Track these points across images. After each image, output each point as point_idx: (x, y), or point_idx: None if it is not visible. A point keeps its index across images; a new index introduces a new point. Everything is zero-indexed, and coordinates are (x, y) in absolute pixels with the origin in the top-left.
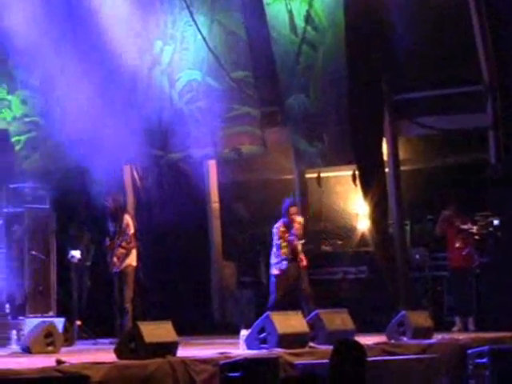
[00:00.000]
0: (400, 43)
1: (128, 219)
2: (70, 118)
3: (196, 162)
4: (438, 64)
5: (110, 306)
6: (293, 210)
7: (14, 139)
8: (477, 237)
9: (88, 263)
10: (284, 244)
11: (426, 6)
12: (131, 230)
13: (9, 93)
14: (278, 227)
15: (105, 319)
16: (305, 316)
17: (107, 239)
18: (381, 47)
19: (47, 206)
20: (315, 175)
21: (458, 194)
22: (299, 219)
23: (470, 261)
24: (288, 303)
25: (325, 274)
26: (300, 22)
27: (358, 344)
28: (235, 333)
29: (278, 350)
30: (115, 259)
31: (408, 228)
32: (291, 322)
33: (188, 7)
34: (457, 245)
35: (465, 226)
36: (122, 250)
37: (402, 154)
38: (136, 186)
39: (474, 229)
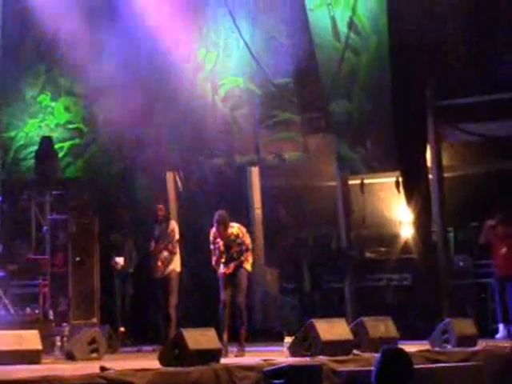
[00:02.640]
0: (445, 48)
1: (174, 225)
2: (114, 125)
3: (239, 168)
4: (482, 69)
5: (154, 313)
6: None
7: (57, 146)
8: None
9: (131, 270)
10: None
11: (472, 12)
12: (176, 236)
13: (52, 99)
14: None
15: (148, 326)
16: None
17: (152, 243)
18: (425, 53)
19: (90, 213)
20: (358, 182)
21: (502, 202)
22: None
23: None
24: None
25: (368, 280)
26: (343, 28)
27: (404, 352)
28: (278, 340)
29: (322, 358)
30: (159, 263)
31: (452, 235)
32: (335, 329)
33: (231, 14)
34: (501, 252)
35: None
36: (166, 255)
37: (445, 160)
38: (179, 192)
39: None
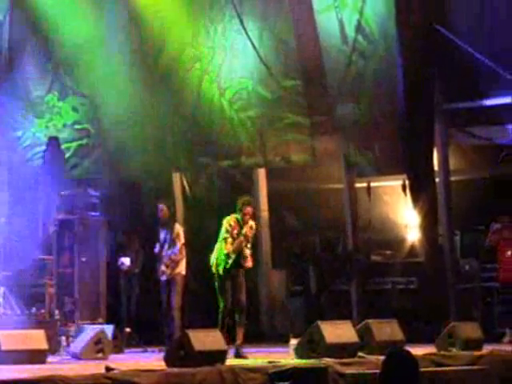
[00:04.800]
0: (455, 51)
1: (179, 229)
2: (120, 125)
3: (246, 170)
4: (489, 74)
5: (159, 314)
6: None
7: (64, 146)
8: None
9: (137, 270)
10: (230, 240)
11: (481, 18)
12: (181, 241)
13: (59, 99)
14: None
15: (154, 327)
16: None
17: (157, 246)
18: (435, 57)
19: (97, 213)
20: (365, 185)
21: (509, 205)
22: (252, 223)
23: None
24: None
25: (374, 284)
26: (351, 32)
27: (410, 355)
28: (284, 342)
29: (327, 360)
30: (164, 268)
31: (458, 238)
32: (341, 331)
33: (238, 16)
34: (507, 255)
35: None
36: (170, 261)
37: (452, 164)
38: (185, 194)
39: None
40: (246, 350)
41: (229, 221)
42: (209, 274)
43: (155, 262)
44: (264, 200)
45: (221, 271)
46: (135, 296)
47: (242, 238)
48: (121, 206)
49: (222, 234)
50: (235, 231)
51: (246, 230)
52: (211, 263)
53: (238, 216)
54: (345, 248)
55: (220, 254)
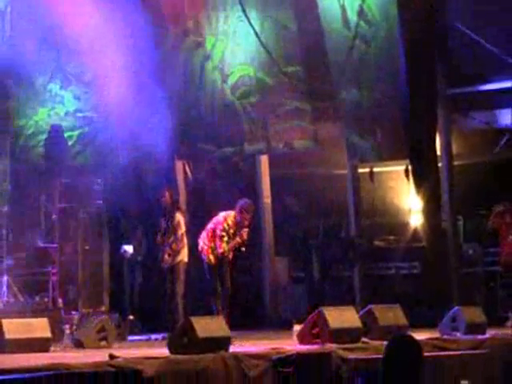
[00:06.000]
0: (456, 36)
1: (179, 217)
2: (122, 113)
3: (248, 156)
4: (493, 58)
5: (162, 301)
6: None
7: (66, 134)
8: None
9: (140, 258)
10: (226, 239)
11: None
12: (182, 230)
13: (62, 88)
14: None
15: (157, 314)
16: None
17: (158, 235)
18: (437, 41)
19: (100, 201)
20: (368, 170)
21: (511, 189)
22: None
23: None
24: None
25: (377, 269)
26: (352, 17)
27: (414, 340)
28: (287, 328)
29: (331, 345)
30: (166, 256)
31: (461, 223)
32: (344, 316)
33: (240, 2)
34: (509, 240)
35: None
36: (171, 250)
37: (455, 149)
38: (188, 181)
39: None
40: (249, 335)
41: (227, 219)
42: None
43: (158, 249)
44: (267, 186)
45: (213, 261)
46: (138, 284)
47: (238, 240)
48: (123, 194)
49: (219, 230)
50: (231, 231)
51: (244, 235)
52: (200, 249)
53: (237, 217)
54: (348, 233)
55: (213, 249)
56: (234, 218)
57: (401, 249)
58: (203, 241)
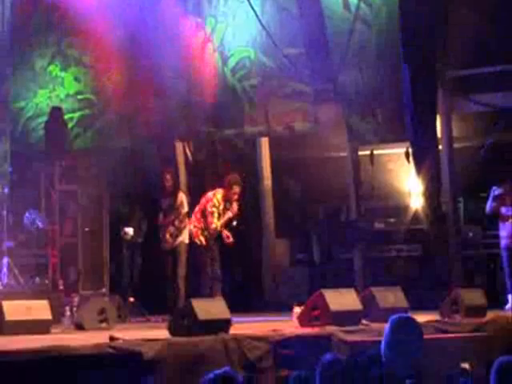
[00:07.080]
0: (456, 18)
1: (182, 197)
2: (122, 95)
3: (249, 139)
4: (494, 40)
5: (163, 283)
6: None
7: (66, 117)
8: None
9: (140, 240)
10: (216, 215)
11: None
12: (185, 209)
13: (62, 70)
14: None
15: (157, 296)
16: None
17: (160, 215)
18: (436, 23)
19: (100, 183)
20: (368, 152)
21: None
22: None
23: None
24: None
25: (378, 251)
26: None
27: (414, 322)
28: (288, 310)
29: (331, 328)
30: (168, 236)
31: (461, 206)
32: (344, 299)
33: None
34: (509, 222)
35: None
36: (174, 228)
37: (455, 131)
38: (188, 162)
39: None
40: (250, 318)
41: (216, 195)
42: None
43: (158, 231)
44: (267, 169)
45: (204, 242)
46: (138, 266)
47: (230, 215)
48: (124, 176)
49: (210, 207)
50: (221, 206)
51: (234, 208)
52: (189, 233)
53: (225, 192)
54: (348, 216)
55: (203, 230)
56: (223, 193)
57: (401, 231)
58: (193, 223)
